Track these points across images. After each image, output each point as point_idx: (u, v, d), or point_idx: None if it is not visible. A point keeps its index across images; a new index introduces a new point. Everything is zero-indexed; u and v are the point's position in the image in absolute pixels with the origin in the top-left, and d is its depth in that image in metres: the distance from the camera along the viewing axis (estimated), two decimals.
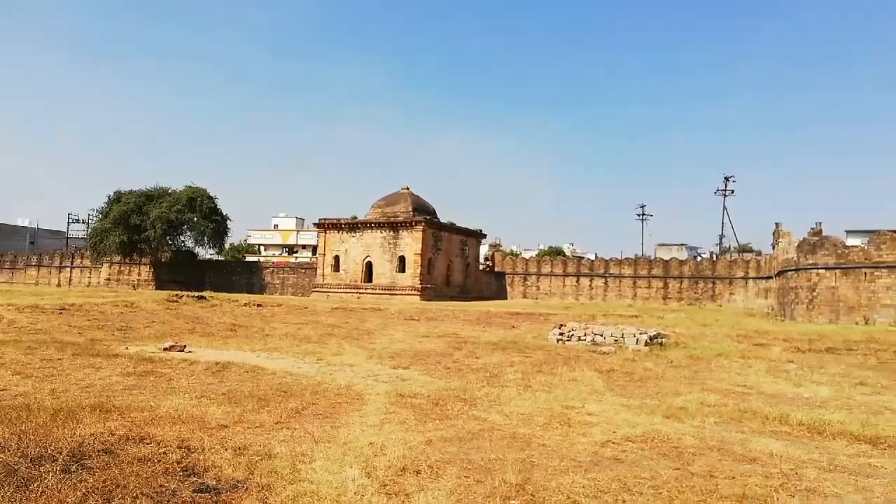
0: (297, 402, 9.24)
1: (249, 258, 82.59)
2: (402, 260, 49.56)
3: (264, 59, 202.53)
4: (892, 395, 11.97)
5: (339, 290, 50.49)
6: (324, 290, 51.53)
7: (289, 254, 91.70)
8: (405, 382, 11.50)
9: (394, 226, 50.18)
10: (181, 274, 62.20)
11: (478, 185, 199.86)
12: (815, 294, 31.81)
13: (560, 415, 8.91)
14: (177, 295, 32.24)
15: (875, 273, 29.72)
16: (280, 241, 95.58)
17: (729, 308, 46.79)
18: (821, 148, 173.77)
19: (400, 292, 47.94)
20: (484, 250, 64.83)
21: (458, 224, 55.09)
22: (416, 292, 47.52)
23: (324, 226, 53.72)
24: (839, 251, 31.43)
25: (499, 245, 72.78)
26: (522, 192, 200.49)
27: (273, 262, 69.77)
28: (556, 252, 76.23)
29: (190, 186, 60.34)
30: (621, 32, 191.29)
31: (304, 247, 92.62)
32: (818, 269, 31.70)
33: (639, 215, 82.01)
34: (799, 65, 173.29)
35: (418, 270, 48.42)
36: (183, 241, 61.95)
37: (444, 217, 54.64)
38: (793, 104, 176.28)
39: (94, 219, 62.26)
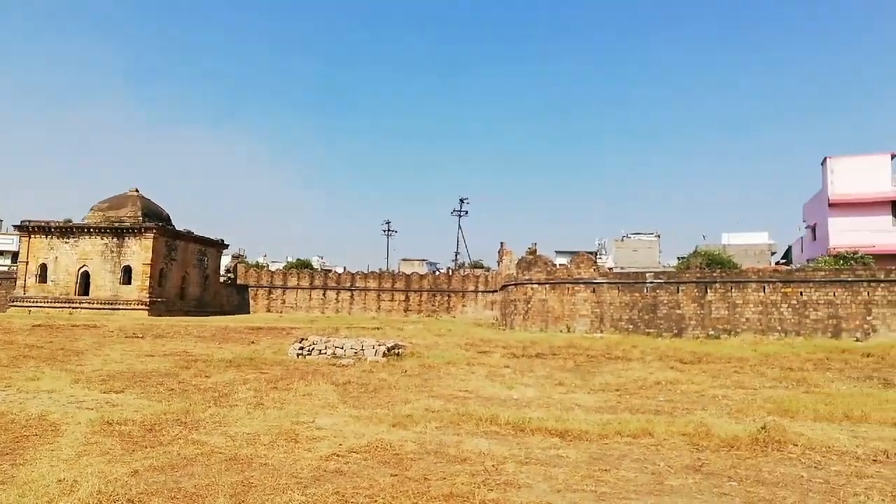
0: None
1: None
2: (127, 270, 44.54)
3: None
4: (582, 394, 14.03)
5: (46, 305, 43.58)
6: (25, 303, 44.02)
7: None
8: (116, 408, 10.25)
9: (118, 232, 44.93)
10: None
11: (222, 194, 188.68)
12: (529, 306, 36.09)
13: (288, 431, 8.71)
14: None
15: (575, 288, 34.76)
16: None
17: (461, 319, 50.80)
18: (541, 173, 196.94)
19: (124, 307, 43.04)
20: (226, 261, 61.36)
21: (197, 233, 51.35)
22: (143, 307, 43.11)
23: (27, 229, 45.96)
24: (549, 268, 36.16)
25: (243, 256, 69.59)
26: (271, 202, 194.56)
27: None
28: (304, 265, 74.98)
29: None
30: (385, 43, 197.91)
31: (1, 253, 78.12)
32: (532, 283, 36.07)
33: (384, 231, 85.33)
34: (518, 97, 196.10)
35: (147, 282, 43.97)
36: None
37: (180, 224, 50.49)
38: (518, 133, 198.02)
39: None
